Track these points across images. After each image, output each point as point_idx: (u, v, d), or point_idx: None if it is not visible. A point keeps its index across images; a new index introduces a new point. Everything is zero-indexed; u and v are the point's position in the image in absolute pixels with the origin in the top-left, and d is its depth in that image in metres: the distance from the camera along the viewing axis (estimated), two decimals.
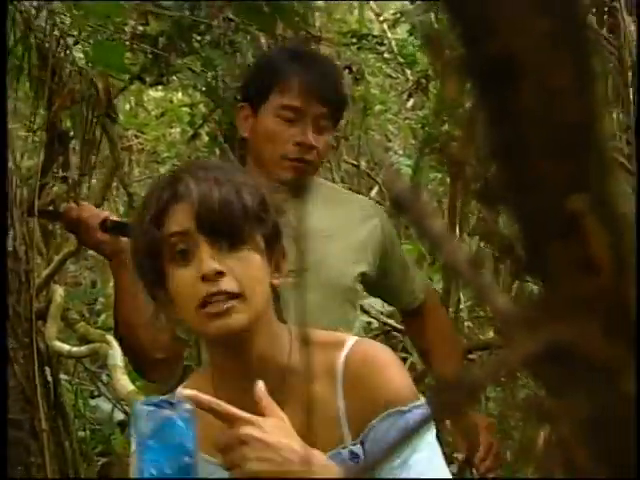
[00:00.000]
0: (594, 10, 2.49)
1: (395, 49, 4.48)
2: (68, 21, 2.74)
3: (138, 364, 2.05)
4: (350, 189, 3.70)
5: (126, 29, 3.02)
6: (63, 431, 2.59)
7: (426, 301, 2.23)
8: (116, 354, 2.47)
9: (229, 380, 1.29)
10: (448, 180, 3.53)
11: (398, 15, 4.43)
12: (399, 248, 2.17)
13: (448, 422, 2.64)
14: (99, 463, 3.36)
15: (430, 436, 1.25)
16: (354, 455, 1.27)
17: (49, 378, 2.55)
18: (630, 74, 2.42)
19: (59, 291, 2.76)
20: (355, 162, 4.48)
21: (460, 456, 2.68)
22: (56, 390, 2.59)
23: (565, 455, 0.44)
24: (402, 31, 4.72)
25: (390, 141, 5.01)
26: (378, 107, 4.61)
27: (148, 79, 3.21)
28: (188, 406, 1.15)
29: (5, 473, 2.15)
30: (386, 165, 4.52)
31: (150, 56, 3.04)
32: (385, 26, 4.93)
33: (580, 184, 0.43)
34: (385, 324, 3.88)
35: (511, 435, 2.42)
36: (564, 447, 0.44)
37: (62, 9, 2.71)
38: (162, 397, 1.19)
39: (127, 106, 5.12)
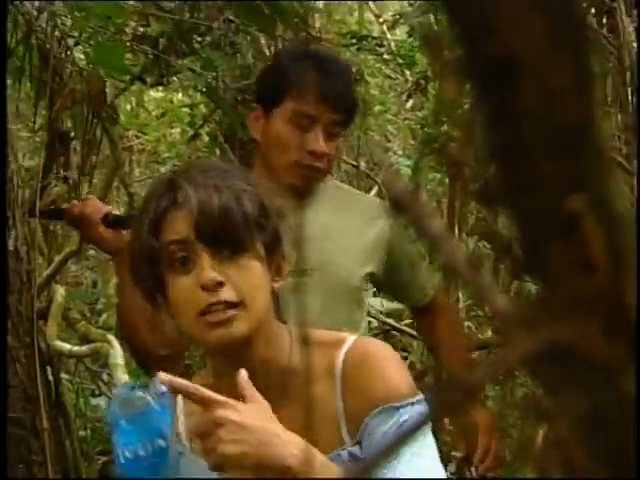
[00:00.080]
0: (593, 11, 2.50)
1: (394, 50, 4.48)
2: (69, 22, 2.75)
3: (142, 360, 2.05)
4: None
5: (127, 30, 3.03)
6: (64, 430, 2.59)
7: (437, 298, 2.23)
8: (117, 353, 2.47)
9: (230, 384, 1.26)
10: (447, 180, 3.54)
11: (397, 16, 4.45)
12: (408, 245, 2.15)
13: (447, 421, 2.65)
14: (100, 462, 3.36)
15: (421, 434, 1.22)
16: (354, 456, 1.26)
17: (50, 377, 2.54)
18: (629, 74, 2.43)
19: (60, 291, 2.76)
20: (355, 162, 4.49)
21: (458, 454, 2.69)
22: (57, 389, 2.59)
23: (563, 455, 0.44)
24: (401, 32, 4.73)
25: (389, 141, 5.02)
26: (377, 108, 4.62)
27: (149, 80, 3.21)
28: (164, 389, 1.14)
29: (5, 473, 2.16)
30: (385, 165, 4.53)
31: (151, 57, 3.04)
32: (384, 27, 4.94)
33: (579, 184, 0.43)
34: (385, 323, 3.89)
35: (510, 434, 2.42)
36: (562, 447, 0.44)
37: (63, 10, 2.71)
38: (139, 382, 1.19)
39: (128, 106, 5.12)
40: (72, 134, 2.85)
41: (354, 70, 3.73)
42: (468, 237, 3.06)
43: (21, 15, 2.62)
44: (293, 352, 1.30)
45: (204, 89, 3.20)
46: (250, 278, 1.25)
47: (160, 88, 4.35)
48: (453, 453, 2.84)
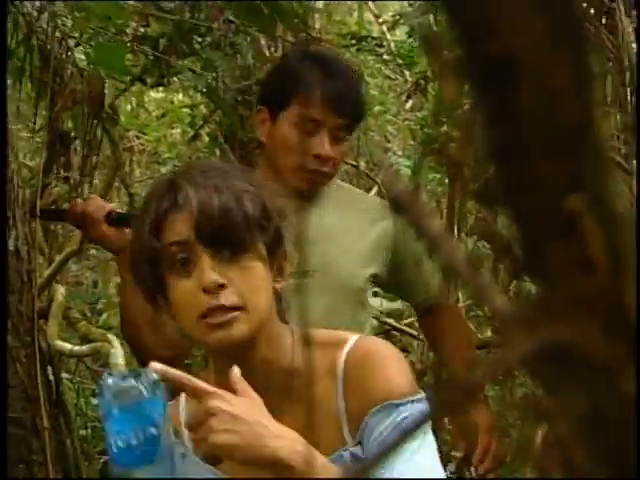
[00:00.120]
0: (592, 11, 2.51)
1: (394, 50, 4.49)
2: (70, 23, 2.75)
3: (143, 361, 2.04)
4: None
5: (127, 31, 3.04)
6: (65, 429, 2.59)
7: (442, 297, 2.22)
8: (117, 353, 2.47)
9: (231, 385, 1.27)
10: (447, 180, 3.54)
11: (397, 17, 4.45)
12: (413, 244, 2.13)
13: (447, 420, 2.65)
14: (100, 461, 3.36)
15: (421, 432, 1.20)
16: (356, 457, 1.25)
17: (51, 377, 2.54)
18: (628, 74, 2.43)
19: (61, 290, 2.76)
20: (354, 162, 4.49)
21: (458, 454, 2.69)
22: (58, 389, 2.59)
23: (563, 455, 0.44)
24: (401, 33, 4.74)
25: (389, 142, 5.02)
26: (377, 108, 4.62)
27: (149, 80, 3.22)
28: (155, 377, 1.13)
29: (5, 473, 2.16)
30: (385, 165, 4.53)
31: (151, 57, 3.04)
32: (384, 28, 4.94)
33: (579, 184, 0.42)
34: (385, 323, 3.89)
35: (509, 434, 2.42)
36: (562, 447, 0.44)
37: (64, 11, 2.72)
38: (130, 371, 1.18)
39: (128, 107, 5.13)
40: (73, 134, 2.85)
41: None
42: (467, 237, 3.07)
43: (22, 16, 2.62)
44: (295, 353, 1.29)
45: (204, 90, 3.21)
46: (251, 279, 1.24)
47: (160, 89, 4.36)
48: (453, 453, 2.85)
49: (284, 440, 1.13)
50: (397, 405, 1.23)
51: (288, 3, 2.81)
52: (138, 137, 5.08)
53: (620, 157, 2.31)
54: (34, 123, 2.88)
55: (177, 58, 3.02)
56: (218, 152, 3.61)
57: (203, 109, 4.10)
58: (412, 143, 4.59)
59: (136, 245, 1.29)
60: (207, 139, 3.98)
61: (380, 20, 5.09)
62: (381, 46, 4.24)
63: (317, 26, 4.05)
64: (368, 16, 5.16)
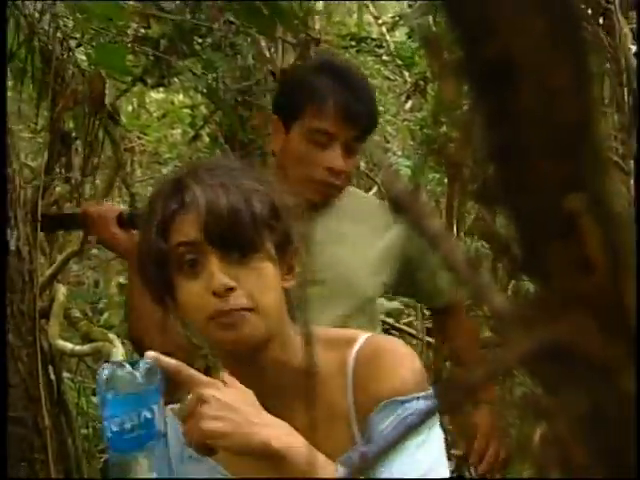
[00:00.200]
0: (590, 12, 2.52)
1: (393, 51, 4.49)
2: (71, 24, 2.76)
3: None
4: None
5: (128, 32, 3.05)
6: (66, 428, 2.59)
7: (457, 298, 2.21)
8: (118, 352, 2.48)
9: (241, 384, 1.23)
10: (446, 180, 3.55)
11: (397, 18, 4.46)
12: (425, 249, 2.10)
13: (446, 420, 2.66)
14: (101, 460, 3.37)
15: (427, 427, 1.19)
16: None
17: (52, 376, 2.55)
18: (625, 75, 2.44)
19: (62, 290, 2.77)
20: None
21: (457, 452, 2.71)
22: (59, 388, 2.60)
23: (563, 454, 0.44)
24: (400, 34, 4.74)
25: (389, 142, 5.02)
26: None
27: (150, 81, 3.22)
28: (150, 362, 1.13)
29: (5, 473, 2.17)
30: (385, 166, 4.54)
31: (152, 58, 3.05)
32: (384, 29, 4.94)
33: (578, 184, 0.42)
34: (384, 323, 3.90)
35: (509, 434, 2.43)
36: (562, 446, 0.44)
37: (65, 12, 2.73)
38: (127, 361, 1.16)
39: (129, 108, 5.14)
40: (74, 135, 2.86)
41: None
42: (466, 237, 3.07)
43: (23, 17, 2.63)
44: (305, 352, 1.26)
45: (205, 90, 3.22)
46: (261, 280, 1.22)
47: (161, 89, 4.37)
48: (452, 452, 2.86)
49: (275, 429, 1.12)
50: (402, 402, 1.21)
51: (288, 4, 2.81)
52: (139, 137, 5.09)
53: (618, 157, 2.32)
54: (36, 123, 2.89)
55: (178, 59, 3.02)
56: (218, 152, 3.62)
57: (203, 110, 4.11)
58: (411, 143, 4.60)
59: (143, 246, 1.27)
60: (207, 139, 4.00)
61: (380, 21, 5.09)
62: (380, 47, 4.24)
63: (317, 27, 4.06)
64: (368, 17, 5.17)
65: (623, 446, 0.44)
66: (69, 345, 2.66)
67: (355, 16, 5.18)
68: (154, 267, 1.24)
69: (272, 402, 1.19)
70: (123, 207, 2.08)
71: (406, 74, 4.64)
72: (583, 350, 0.42)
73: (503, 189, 0.44)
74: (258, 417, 1.12)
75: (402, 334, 3.99)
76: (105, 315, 4.26)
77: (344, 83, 1.95)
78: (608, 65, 2.44)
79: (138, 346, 2.10)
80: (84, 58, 2.77)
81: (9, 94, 2.70)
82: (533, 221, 0.44)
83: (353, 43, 3.98)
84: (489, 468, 2.15)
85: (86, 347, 2.72)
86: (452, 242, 0.45)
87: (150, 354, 1.14)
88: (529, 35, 0.41)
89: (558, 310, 0.43)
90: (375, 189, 4.23)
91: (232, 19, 3.04)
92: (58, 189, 2.85)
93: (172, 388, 1.18)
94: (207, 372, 1.24)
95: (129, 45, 2.98)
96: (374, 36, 4.47)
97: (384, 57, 4.37)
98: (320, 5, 4.36)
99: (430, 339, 3.71)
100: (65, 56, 2.72)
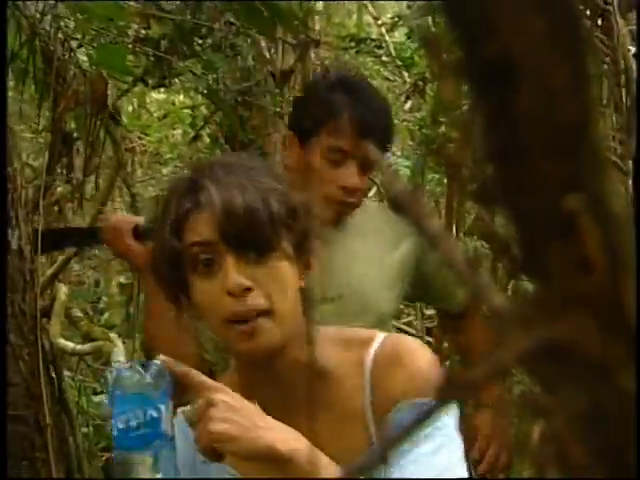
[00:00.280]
0: (588, 13, 2.52)
1: (393, 52, 4.50)
2: (72, 25, 2.77)
3: None
4: None
5: (129, 32, 3.05)
6: (67, 427, 2.60)
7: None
8: (119, 352, 2.49)
9: (257, 386, 1.24)
10: (445, 180, 3.56)
11: (396, 18, 4.46)
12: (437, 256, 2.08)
13: None
14: (102, 458, 3.39)
15: (442, 427, 1.18)
16: None
17: (53, 375, 2.56)
18: (623, 75, 2.45)
19: (63, 289, 2.78)
20: None
21: None
22: (60, 387, 2.61)
23: (562, 453, 0.44)
24: (400, 34, 4.74)
25: None
26: None
27: (150, 81, 3.23)
28: (159, 363, 1.13)
29: (5, 473, 2.17)
30: (384, 166, 4.55)
31: (152, 59, 3.05)
32: (383, 29, 4.94)
33: (577, 184, 0.42)
34: None
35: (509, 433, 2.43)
36: (561, 445, 0.44)
37: (66, 13, 2.74)
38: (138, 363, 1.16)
39: (130, 108, 5.14)
40: (75, 135, 2.87)
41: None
42: (466, 237, 3.08)
43: (25, 18, 2.64)
44: (323, 352, 1.25)
45: (205, 91, 3.22)
46: (278, 280, 1.19)
47: (162, 90, 4.37)
48: None
49: (280, 433, 1.11)
50: (421, 404, 1.18)
51: (288, 5, 2.82)
52: (140, 138, 5.09)
53: (616, 157, 2.33)
54: (37, 124, 2.89)
55: (178, 59, 3.03)
56: (219, 152, 3.62)
57: (204, 110, 4.11)
58: (411, 144, 4.61)
59: (157, 245, 1.25)
60: (208, 140, 4.00)
61: (379, 22, 5.10)
62: (380, 48, 4.24)
63: (317, 28, 4.07)
64: (367, 18, 5.17)
65: (623, 445, 0.43)
66: (70, 344, 2.67)
67: (354, 17, 5.18)
68: (168, 266, 1.22)
69: (288, 403, 1.19)
70: (138, 218, 2.05)
71: (405, 74, 4.64)
72: (583, 350, 0.42)
73: (502, 189, 0.44)
74: (264, 420, 1.11)
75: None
76: (106, 314, 4.28)
77: (360, 100, 1.93)
78: (606, 66, 2.45)
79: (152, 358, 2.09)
80: (85, 59, 2.78)
81: (11, 94, 2.71)
82: (532, 221, 0.43)
83: (352, 44, 3.98)
84: (489, 468, 2.16)
85: (87, 346, 2.73)
86: (452, 242, 0.45)
87: (161, 357, 1.14)
88: (529, 35, 0.41)
89: (558, 310, 0.43)
90: (374, 189, 4.24)
91: (232, 20, 3.04)
92: (59, 189, 2.86)
93: (180, 392, 1.18)
94: (211, 375, 1.25)
95: (130, 46, 2.99)
96: (373, 37, 4.47)
97: (383, 58, 4.37)
98: (320, 6, 4.37)
99: (430, 339, 3.72)
100: (66, 57, 2.73)
